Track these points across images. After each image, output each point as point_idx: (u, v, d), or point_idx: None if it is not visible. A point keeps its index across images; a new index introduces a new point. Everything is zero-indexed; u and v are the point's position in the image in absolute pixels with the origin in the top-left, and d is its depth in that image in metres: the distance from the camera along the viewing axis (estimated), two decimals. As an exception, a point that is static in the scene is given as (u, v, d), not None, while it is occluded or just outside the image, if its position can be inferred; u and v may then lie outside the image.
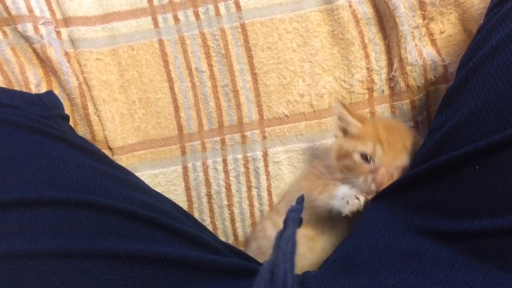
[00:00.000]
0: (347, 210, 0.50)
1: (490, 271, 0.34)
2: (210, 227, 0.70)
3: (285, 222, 0.38)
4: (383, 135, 0.53)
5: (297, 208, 0.40)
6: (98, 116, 0.69)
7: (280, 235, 0.35)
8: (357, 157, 0.53)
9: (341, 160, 0.55)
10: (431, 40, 0.65)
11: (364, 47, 0.67)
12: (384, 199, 0.49)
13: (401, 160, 0.52)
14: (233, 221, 0.71)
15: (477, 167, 0.37)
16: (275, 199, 0.70)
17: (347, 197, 0.51)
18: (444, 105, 0.47)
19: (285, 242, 0.31)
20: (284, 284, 0.25)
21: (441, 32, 0.64)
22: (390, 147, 0.52)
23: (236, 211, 0.70)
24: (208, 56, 0.70)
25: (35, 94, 0.57)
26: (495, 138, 0.36)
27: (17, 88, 0.68)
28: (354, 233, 0.49)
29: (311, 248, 0.57)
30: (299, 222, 0.38)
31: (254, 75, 0.69)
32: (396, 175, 0.52)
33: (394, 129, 0.55)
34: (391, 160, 0.52)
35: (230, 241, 0.71)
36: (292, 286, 0.25)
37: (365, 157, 0.53)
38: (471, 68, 0.44)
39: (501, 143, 0.36)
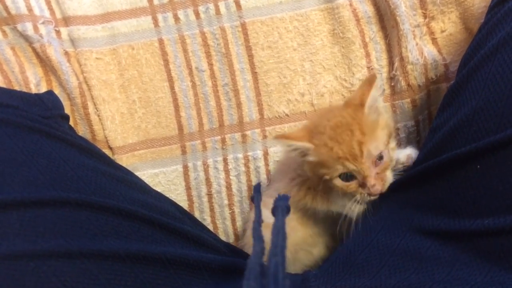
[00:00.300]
0: (354, 215, 0.50)
1: (491, 270, 0.34)
2: (210, 227, 0.70)
3: (273, 211, 0.38)
4: (338, 147, 0.47)
5: (285, 197, 0.40)
6: (98, 116, 0.69)
7: (258, 224, 0.35)
8: (339, 183, 0.49)
9: (327, 185, 0.51)
10: (432, 39, 0.65)
11: (365, 46, 0.66)
12: (385, 199, 0.48)
13: (370, 152, 0.47)
14: (233, 221, 0.70)
15: (478, 166, 0.37)
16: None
17: (349, 205, 0.50)
18: (445, 104, 0.47)
19: (276, 235, 0.31)
20: (275, 278, 0.25)
21: (442, 31, 0.64)
22: (352, 152, 0.47)
23: (236, 210, 0.70)
24: (208, 55, 0.70)
25: (35, 94, 0.57)
26: (496, 138, 0.36)
27: (17, 87, 0.68)
28: (355, 232, 0.49)
29: (301, 223, 0.56)
30: (287, 211, 0.38)
31: (254, 74, 0.69)
32: (382, 166, 0.48)
33: (339, 128, 0.48)
34: (366, 162, 0.47)
35: (231, 240, 0.71)
36: (283, 279, 0.25)
37: (345, 177, 0.48)
38: (472, 67, 0.43)
39: (503, 142, 0.36)
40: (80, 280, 0.36)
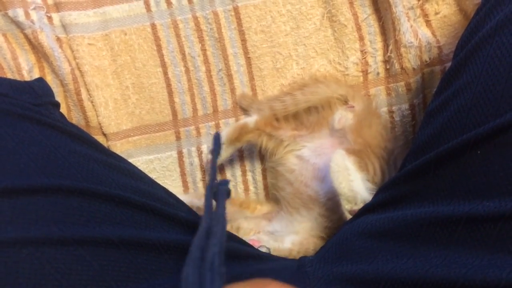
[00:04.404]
0: None
1: (488, 253, 0.33)
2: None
3: (215, 195, 0.38)
4: None
5: (225, 181, 0.40)
6: (92, 102, 0.69)
7: (209, 194, 0.36)
8: None
9: None
10: (426, 21, 0.64)
11: (358, 29, 0.66)
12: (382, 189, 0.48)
13: None
14: (228, 206, 0.71)
15: (479, 152, 0.36)
16: (270, 183, 0.70)
17: None
18: (442, 87, 0.46)
19: (216, 223, 0.31)
20: (212, 268, 0.25)
21: (436, 13, 0.63)
22: None
23: (231, 195, 0.70)
24: (201, 40, 0.69)
25: (25, 82, 0.56)
26: (496, 122, 0.35)
27: (9, 74, 0.68)
28: (352, 219, 0.49)
29: None
30: (228, 196, 0.38)
31: (247, 59, 0.69)
32: None
33: None
34: None
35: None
36: (219, 268, 0.25)
37: None
38: (469, 50, 0.43)
39: (503, 127, 0.35)
40: (74, 267, 0.36)
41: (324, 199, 0.57)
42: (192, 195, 0.66)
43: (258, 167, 0.70)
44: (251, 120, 0.64)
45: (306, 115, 0.62)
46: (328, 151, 0.56)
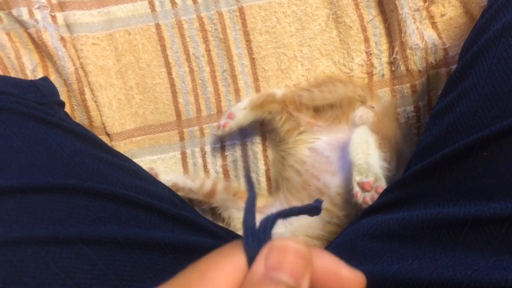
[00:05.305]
0: None
1: (494, 255, 0.33)
2: (208, 213, 0.70)
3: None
4: None
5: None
6: (95, 102, 0.69)
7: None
8: None
9: None
10: (431, 23, 0.64)
11: (364, 30, 0.66)
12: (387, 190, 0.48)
13: None
14: (232, 207, 0.70)
15: (485, 153, 0.36)
16: (273, 184, 0.70)
17: None
18: (448, 89, 0.46)
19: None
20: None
21: (442, 15, 0.63)
22: None
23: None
24: (206, 40, 0.69)
25: (30, 81, 0.56)
26: (502, 124, 0.35)
27: (12, 73, 0.68)
28: (356, 219, 0.49)
29: None
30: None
31: (252, 59, 0.69)
32: None
33: None
34: None
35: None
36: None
37: None
38: (475, 52, 0.42)
39: (509, 129, 0.35)
40: (78, 266, 0.36)
41: (333, 193, 0.57)
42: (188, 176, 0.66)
43: (262, 168, 0.69)
44: (279, 91, 0.64)
45: (327, 109, 0.63)
46: (344, 145, 0.56)
